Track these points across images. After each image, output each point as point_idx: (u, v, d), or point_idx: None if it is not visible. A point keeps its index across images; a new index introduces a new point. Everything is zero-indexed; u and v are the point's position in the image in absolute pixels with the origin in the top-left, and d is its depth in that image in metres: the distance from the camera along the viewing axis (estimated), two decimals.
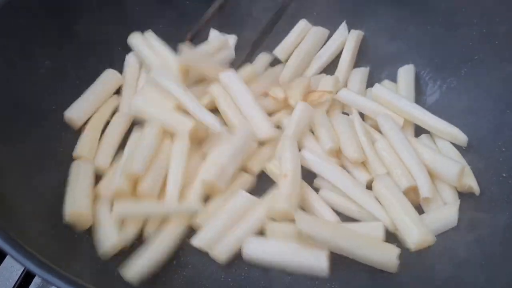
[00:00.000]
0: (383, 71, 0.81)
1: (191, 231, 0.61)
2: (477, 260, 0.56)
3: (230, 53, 0.78)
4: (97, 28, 0.74)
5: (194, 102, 0.67)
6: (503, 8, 0.68)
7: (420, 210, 0.64)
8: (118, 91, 0.75)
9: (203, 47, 0.76)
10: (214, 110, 0.70)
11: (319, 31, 0.82)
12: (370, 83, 0.78)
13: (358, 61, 0.82)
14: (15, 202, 0.54)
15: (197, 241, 0.59)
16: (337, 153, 0.68)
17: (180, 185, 0.61)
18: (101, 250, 0.57)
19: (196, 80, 0.75)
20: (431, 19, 0.75)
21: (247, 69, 0.76)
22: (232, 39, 0.81)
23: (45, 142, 0.64)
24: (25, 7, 0.66)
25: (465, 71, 0.72)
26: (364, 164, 0.67)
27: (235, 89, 0.70)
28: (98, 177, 0.64)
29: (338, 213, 0.63)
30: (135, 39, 0.77)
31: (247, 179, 0.66)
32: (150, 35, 0.77)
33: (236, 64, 0.78)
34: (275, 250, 0.58)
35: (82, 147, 0.66)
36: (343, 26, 0.83)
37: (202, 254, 0.59)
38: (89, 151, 0.66)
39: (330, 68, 0.81)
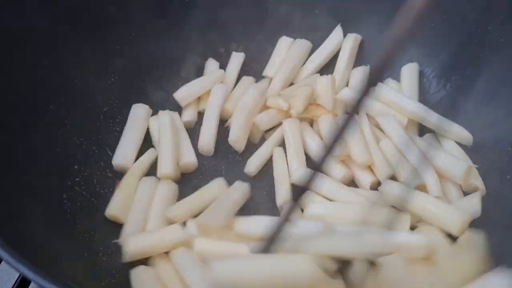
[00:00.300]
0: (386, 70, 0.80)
1: None
2: None
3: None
4: None
5: None
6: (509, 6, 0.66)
7: None
8: None
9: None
10: None
11: (302, 43, 0.81)
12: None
13: (359, 60, 0.81)
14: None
15: None
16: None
17: None
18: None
19: None
20: (435, 17, 0.74)
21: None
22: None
23: None
24: None
25: (470, 70, 0.71)
26: (369, 166, 0.67)
27: None
28: None
29: None
30: None
31: None
32: None
33: None
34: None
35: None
36: (338, 28, 0.81)
37: None
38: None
39: (330, 68, 0.80)
